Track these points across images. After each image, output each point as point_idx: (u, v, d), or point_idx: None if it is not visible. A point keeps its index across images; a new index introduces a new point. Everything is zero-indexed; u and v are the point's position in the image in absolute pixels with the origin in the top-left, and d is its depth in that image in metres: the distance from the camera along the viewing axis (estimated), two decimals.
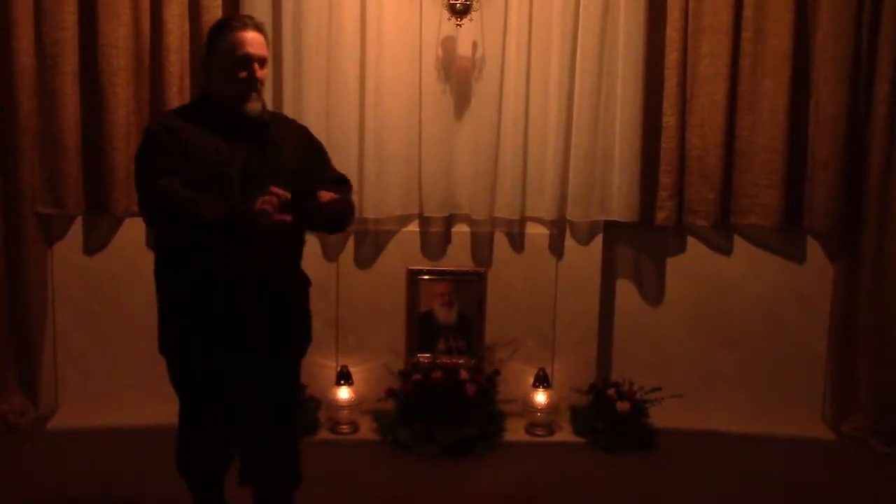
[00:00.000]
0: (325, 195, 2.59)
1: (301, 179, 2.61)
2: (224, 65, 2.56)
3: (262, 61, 2.60)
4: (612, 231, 4.09)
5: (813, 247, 4.09)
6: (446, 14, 3.76)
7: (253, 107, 2.58)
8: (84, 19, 3.78)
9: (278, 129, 2.69)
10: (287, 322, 2.72)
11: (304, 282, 2.81)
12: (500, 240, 4.08)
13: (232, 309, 2.59)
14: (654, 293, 4.20)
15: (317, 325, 3.95)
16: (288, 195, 2.39)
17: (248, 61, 2.56)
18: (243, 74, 2.55)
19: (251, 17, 2.65)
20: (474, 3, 3.74)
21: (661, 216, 3.99)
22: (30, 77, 3.78)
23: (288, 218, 2.38)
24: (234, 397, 2.72)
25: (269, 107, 3.78)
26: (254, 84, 2.57)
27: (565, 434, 3.97)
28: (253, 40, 2.56)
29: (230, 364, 2.65)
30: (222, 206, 2.43)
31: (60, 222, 3.98)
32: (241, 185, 2.53)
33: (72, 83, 3.80)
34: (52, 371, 4.05)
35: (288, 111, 3.81)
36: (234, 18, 2.65)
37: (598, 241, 4.07)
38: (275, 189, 2.39)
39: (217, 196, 2.46)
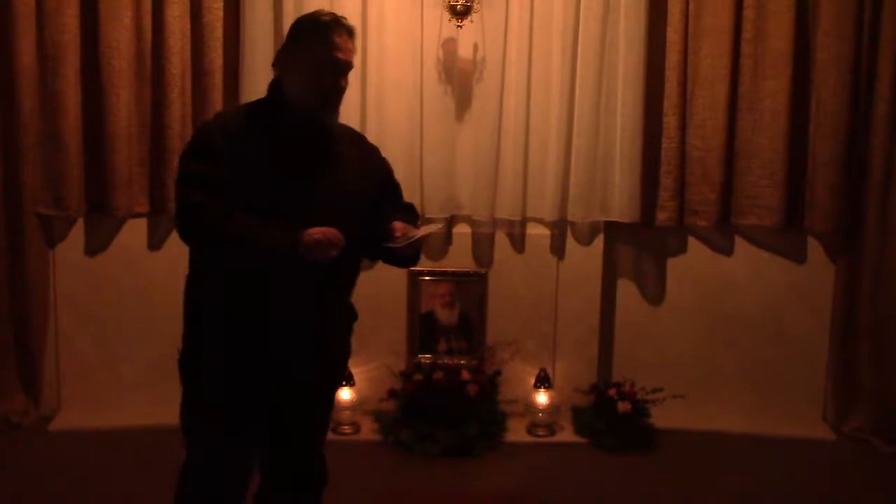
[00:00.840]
0: (399, 227, 2.32)
1: (368, 204, 2.37)
2: (315, 67, 2.27)
3: (349, 71, 2.37)
4: (613, 231, 4.10)
5: (814, 247, 4.10)
6: (447, 16, 3.78)
7: (334, 118, 2.35)
8: (85, 21, 3.79)
9: (348, 146, 2.42)
10: (332, 364, 2.50)
11: (353, 317, 2.52)
12: (502, 240, 4.08)
13: (279, 347, 2.31)
14: (655, 293, 4.20)
15: None
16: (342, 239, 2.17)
17: (346, 69, 2.31)
18: (341, 82, 2.30)
19: (346, 20, 2.35)
20: (475, 4, 3.75)
21: (661, 217, 4.00)
22: (31, 78, 3.79)
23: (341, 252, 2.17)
24: (258, 438, 2.42)
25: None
26: (342, 95, 2.33)
27: (567, 434, 3.97)
28: (351, 48, 2.31)
29: (262, 399, 2.36)
30: (287, 236, 2.16)
31: (62, 224, 3.98)
32: (303, 207, 2.23)
33: (73, 85, 3.80)
34: (53, 372, 4.06)
35: None
36: (331, 15, 2.33)
37: (599, 241, 4.07)
38: (335, 234, 2.16)
39: (276, 221, 2.18)
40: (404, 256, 2.36)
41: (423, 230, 2.39)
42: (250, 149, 2.22)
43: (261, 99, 2.39)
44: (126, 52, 3.78)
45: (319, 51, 2.26)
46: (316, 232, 2.16)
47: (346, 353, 2.56)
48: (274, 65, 2.38)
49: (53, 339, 4.05)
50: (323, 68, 2.26)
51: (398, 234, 2.30)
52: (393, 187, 2.56)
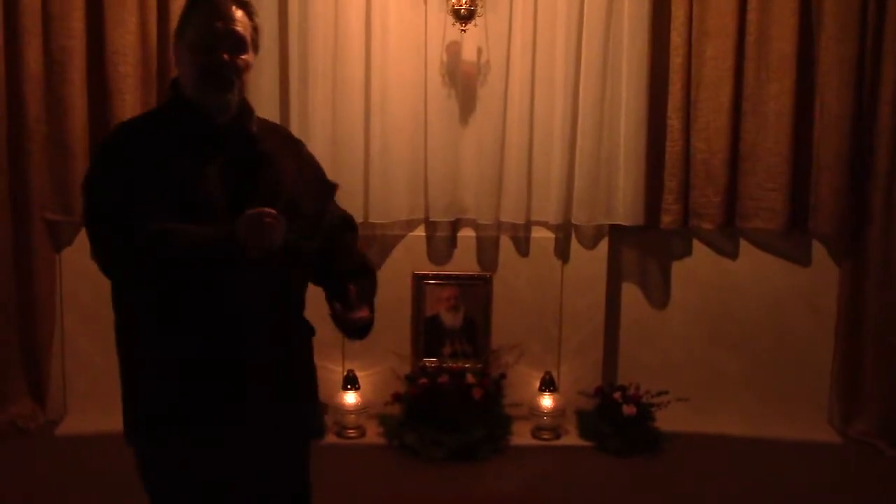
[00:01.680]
0: (351, 294, 2.06)
1: (307, 207, 2.07)
2: (194, 44, 1.94)
3: (240, 44, 1.96)
4: (617, 234, 4.10)
5: (819, 250, 4.09)
6: (451, 19, 3.78)
7: (223, 98, 1.96)
8: (91, 27, 3.81)
9: (274, 144, 2.08)
10: (294, 386, 2.13)
11: (309, 332, 2.20)
12: (506, 244, 4.08)
13: (233, 377, 2.00)
14: (659, 297, 4.20)
15: (323, 329, 3.99)
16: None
17: (226, 39, 1.94)
18: (222, 55, 1.93)
19: None
20: (479, 8, 3.75)
21: (666, 220, 4.00)
22: (38, 84, 3.81)
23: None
24: (230, 492, 2.09)
25: (276, 116, 3.86)
26: (231, 70, 1.94)
27: (571, 438, 3.97)
28: (234, 17, 1.95)
29: (227, 447, 2.03)
30: (221, 229, 1.88)
31: (68, 229, 3.99)
32: (227, 217, 1.91)
33: (79, 90, 3.82)
34: (60, 376, 4.07)
35: (294, 117, 3.85)
36: None
37: (604, 244, 4.07)
38: (269, 211, 1.86)
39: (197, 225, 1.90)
40: (345, 330, 2.10)
41: (358, 316, 2.09)
42: (160, 160, 1.92)
43: (163, 102, 2.13)
44: (132, 57, 3.80)
45: (198, 26, 1.94)
46: (247, 214, 1.86)
47: (310, 372, 2.23)
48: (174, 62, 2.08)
49: (60, 343, 4.06)
50: (200, 42, 1.93)
51: (338, 310, 2.05)
52: (328, 193, 2.22)
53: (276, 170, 2.04)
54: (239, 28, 1.96)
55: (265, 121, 2.16)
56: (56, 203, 3.91)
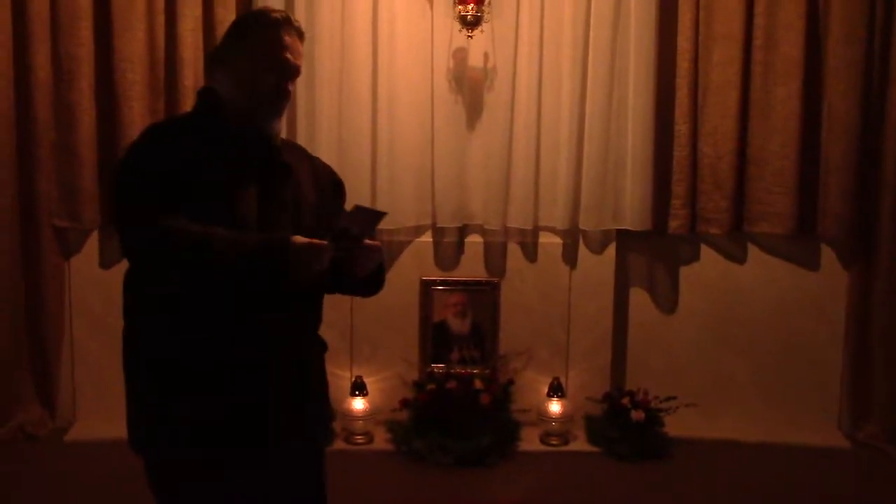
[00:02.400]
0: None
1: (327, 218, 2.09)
2: (258, 67, 1.99)
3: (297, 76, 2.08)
4: (624, 240, 4.09)
5: (827, 254, 4.08)
6: (457, 25, 3.78)
7: (276, 127, 2.07)
8: (99, 34, 3.83)
9: (293, 157, 2.13)
10: (310, 400, 2.14)
11: (323, 348, 2.22)
12: (514, 249, 4.08)
13: (254, 391, 1.99)
14: (667, 302, 4.19)
15: (331, 335, 3.97)
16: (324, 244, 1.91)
17: (293, 73, 2.03)
18: (287, 86, 2.03)
19: (295, 19, 2.07)
20: (485, 14, 3.76)
21: (673, 225, 3.99)
22: (47, 91, 3.83)
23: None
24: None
25: (283, 122, 3.85)
26: (287, 101, 2.05)
27: (580, 443, 3.97)
28: (300, 51, 2.05)
29: (247, 465, 2.04)
30: (275, 239, 1.89)
31: (77, 236, 4.01)
32: (263, 230, 1.95)
33: (88, 97, 3.84)
34: (69, 383, 4.08)
35: (301, 123, 3.87)
36: (275, 12, 2.05)
37: (611, 249, 4.07)
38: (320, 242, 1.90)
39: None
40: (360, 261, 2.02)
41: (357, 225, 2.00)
42: (196, 163, 1.92)
43: (193, 110, 2.12)
44: (140, 64, 3.81)
45: (265, 50, 1.99)
46: (301, 238, 1.89)
47: (324, 387, 2.22)
48: (208, 66, 2.12)
49: (69, 350, 4.07)
50: (267, 69, 1.99)
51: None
52: (342, 198, 2.26)
53: (299, 181, 2.08)
54: (301, 62, 2.06)
55: (282, 137, 2.20)
56: (64, 210, 3.93)
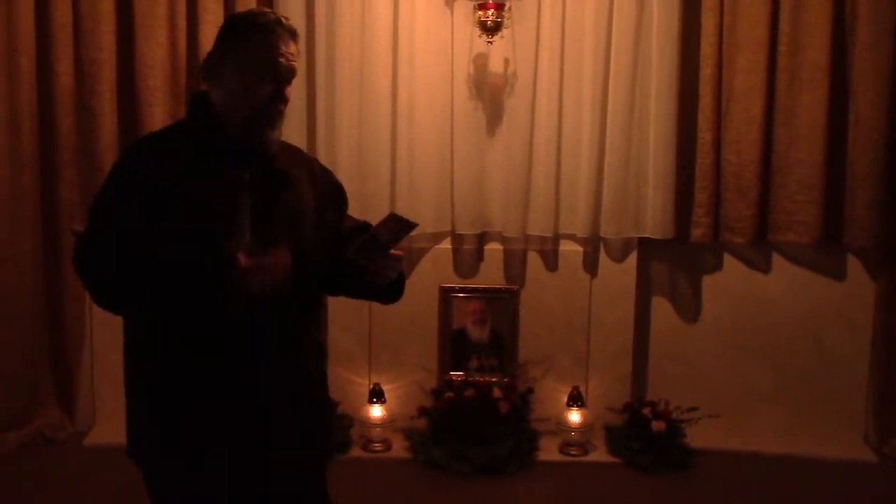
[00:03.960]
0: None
1: (327, 229, 2.06)
2: (252, 73, 1.91)
3: (292, 79, 1.99)
4: (646, 248, 4.05)
5: (853, 264, 4.01)
6: (477, 31, 3.76)
7: (274, 135, 1.98)
8: (121, 40, 3.85)
9: (291, 164, 2.05)
10: (311, 413, 2.10)
11: (323, 354, 2.19)
12: (533, 257, 4.05)
13: (243, 397, 1.96)
14: (690, 311, 4.14)
15: (350, 342, 4.01)
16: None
17: (288, 76, 1.95)
18: (281, 90, 1.94)
19: (286, 18, 1.98)
20: (505, 20, 3.73)
21: (696, 233, 3.94)
22: (69, 97, 3.85)
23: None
24: None
25: (303, 128, 3.85)
26: (284, 107, 1.98)
27: (600, 454, 3.92)
28: (294, 52, 1.96)
29: (245, 478, 2.00)
30: (218, 254, 1.82)
31: None
32: (251, 236, 1.91)
33: (109, 103, 3.86)
34: (89, 387, 4.10)
35: (320, 130, 3.86)
36: (265, 14, 1.98)
37: (633, 258, 4.03)
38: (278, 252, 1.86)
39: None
40: (382, 268, 1.99)
41: (386, 233, 1.98)
42: (178, 180, 1.87)
43: (184, 118, 2.06)
44: (161, 70, 3.83)
45: (257, 54, 1.91)
46: (245, 259, 1.83)
47: (324, 395, 2.19)
48: (201, 71, 2.02)
49: (89, 355, 4.09)
50: (261, 75, 1.91)
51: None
52: (343, 203, 2.21)
53: (295, 188, 2.02)
54: (296, 64, 1.97)
55: (281, 141, 2.13)
56: (85, 215, 3.93)
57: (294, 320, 2.02)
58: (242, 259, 1.81)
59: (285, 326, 1.99)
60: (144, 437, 2.01)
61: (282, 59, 1.92)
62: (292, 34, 1.96)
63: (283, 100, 1.95)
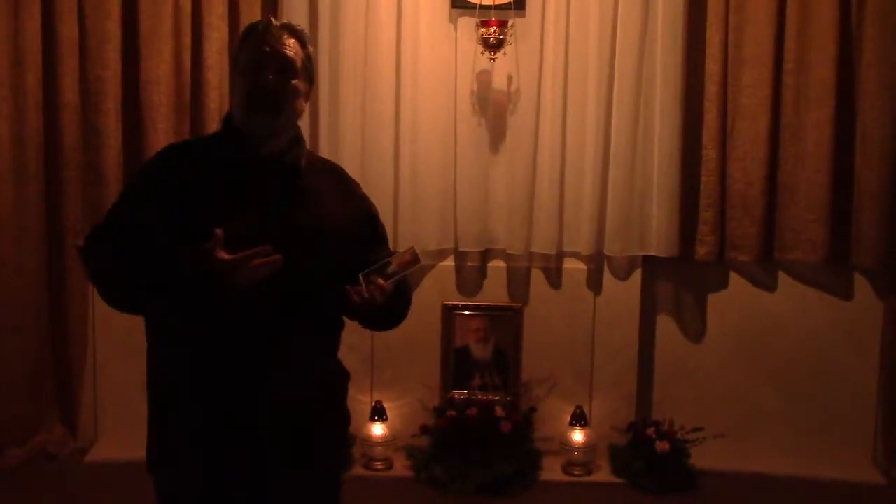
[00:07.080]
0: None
1: (347, 249, 2.00)
2: (242, 73, 1.95)
3: (289, 66, 1.93)
4: (651, 266, 4.02)
5: (861, 283, 3.97)
6: (480, 48, 3.76)
7: (270, 122, 1.93)
8: (126, 57, 3.86)
9: (322, 180, 2.04)
10: (316, 416, 2.05)
11: (346, 379, 2.18)
12: (537, 275, 4.03)
13: (245, 405, 1.95)
14: (695, 330, 4.10)
15: (352, 359, 3.94)
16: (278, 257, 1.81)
17: (272, 60, 1.92)
18: (268, 76, 1.91)
19: (276, 18, 2.02)
20: (508, 37, 3.73)
21: (701, 251, 3.91)
22: (73, 113, 3.87)
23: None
24: None
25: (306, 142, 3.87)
26: (275, 93, 1.91)
27: (603, 474, 3.88)
28: (281, 40, 1.94)
29: (244, 485, 1.99)
30: (194, 251, 1.80)
31: None
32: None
33: (114, 119, 3.87)
34: (91, 403, 4.09)
35: (324, 144, 3.86)
36: (260, 21, 2.02)
37: (637, 276, 4.00)
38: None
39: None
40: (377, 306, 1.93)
41: (397, 264, 1.98)
42: (195, 186, 1.90)
43: (215, 132, 2.11)
44: (166, 86, 3.84)
45: (249, 53, 1.93)
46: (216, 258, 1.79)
47: (343, 423, 2.17)
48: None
49: (92, 370, 4.08)
50: (251, 66, 1.92)
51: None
52: (380, 232, 2.18)
53: (321, 205, 1.99)
54: (288, 52, 1.94)
55: (313, 154, 2.15)
56: (90, 230, 3.94)
57: (296, 323, 1.96)
58: (224, 254, 1.78)
59: (286, 328, 1.94)
60: (150, 449, 2.04)
61: (267, 48, 1.92)
62: (289, 30, 1.97)
63: (271, 84, 1.91)
